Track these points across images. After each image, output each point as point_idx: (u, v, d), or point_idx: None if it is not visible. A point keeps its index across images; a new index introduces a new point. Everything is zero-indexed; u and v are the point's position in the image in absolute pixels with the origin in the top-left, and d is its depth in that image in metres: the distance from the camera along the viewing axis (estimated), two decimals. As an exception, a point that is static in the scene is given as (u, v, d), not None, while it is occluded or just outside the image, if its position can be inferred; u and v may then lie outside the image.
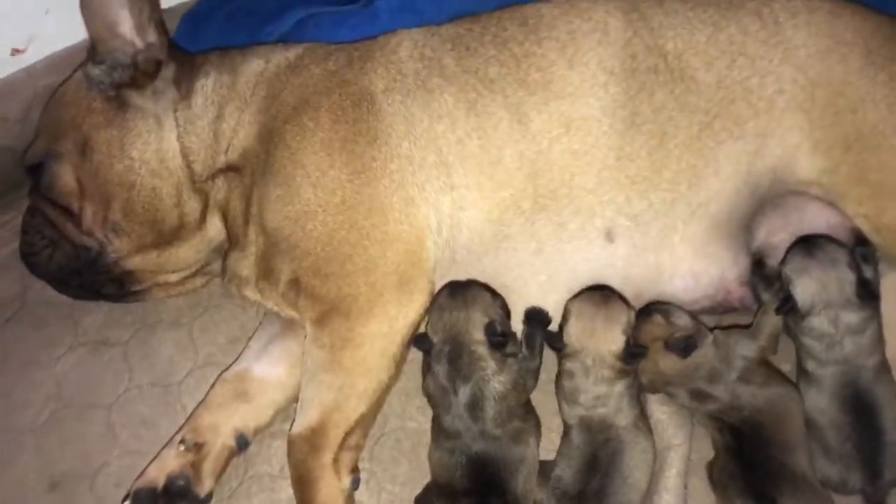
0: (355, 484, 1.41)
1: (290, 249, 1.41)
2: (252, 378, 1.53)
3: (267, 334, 1.59)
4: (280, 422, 1.54)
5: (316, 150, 1.41)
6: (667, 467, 1.43)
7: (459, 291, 1.41)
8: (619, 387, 1.38)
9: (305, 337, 1.42)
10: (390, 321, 1.38)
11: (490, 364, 1.38)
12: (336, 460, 1.37)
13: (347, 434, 1.37)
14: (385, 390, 1.42)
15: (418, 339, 1.42)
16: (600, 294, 1.41)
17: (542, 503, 1.38)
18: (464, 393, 1.36)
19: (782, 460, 1.35)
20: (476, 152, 1.42)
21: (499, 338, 1.38)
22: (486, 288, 1.43)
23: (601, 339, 1.38)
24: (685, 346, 1.39)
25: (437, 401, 1.40)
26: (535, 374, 1.45)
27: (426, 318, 1.44)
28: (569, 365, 1.39)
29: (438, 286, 1.44)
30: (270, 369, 1.54)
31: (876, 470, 1.36)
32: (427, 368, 1.42)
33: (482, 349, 1.38)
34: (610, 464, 1.34)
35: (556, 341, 1.41)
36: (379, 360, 1.38)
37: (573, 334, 1.39)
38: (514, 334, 1.44)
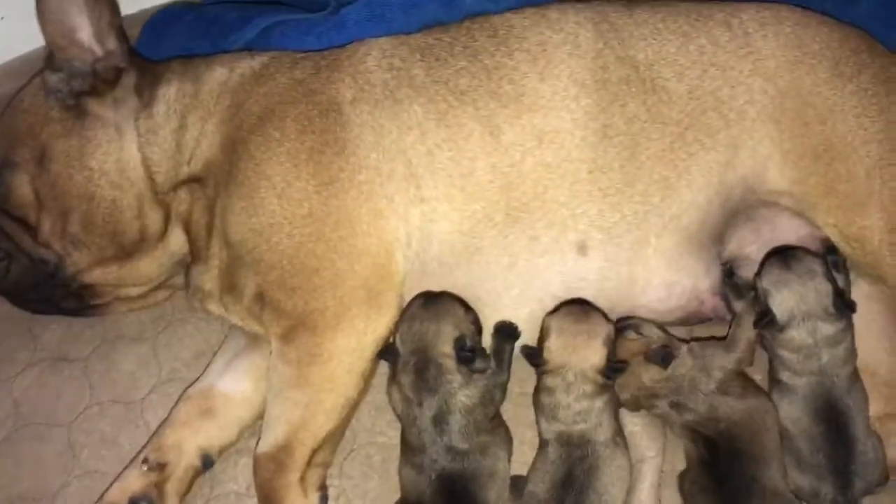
0: (323, 501, 1.39)
1: (254, 263, 1.38)
2: (217, 394, 1.50)
3: (232, 349, 1.56)
4: (246, 438, 1.50)
5: (281, 161, 1.38)
6: (640, 479, 1.42)
7: (432, 303, 1.39)
8: (599, 402, 1.37)
9: (271, 352, 1.39)
10: (358, 336, 1.35)
11: (457, 378, 1.36)
12: (303, 478, 1.34)
13: (315, 451, 1.35)
14: (353, 406, 1.40)
15: (384, 349, 1.39)
16: (580, 308, 1.40)
17: None
18: (429, 405, 1.34)
19: (754, 474, 1.35)
20: (447, 164, 1.40)
21: (467, 353, 1.36)
22: (460, 301, 1.41)
23: (583, 354, 1.36)
24: (664, 356, 1.38)
25: (401, 413, 1.39)
26: (503, 387, 1.43)
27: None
28: (549, 381, 1.37)
29: (409, 299, 1.42)
30: (236, 385, 1.50)
31: (847, 479, 1.36)
32: (392, 379, 1.40)
33: (450, 363, 1.36)
34: (586, 480, 1.33)
35: (536, 358, 1.39)
36: (347, 376, 1.35)
37: (554, 350, 1.37)
38: (483, 350, 1.42)
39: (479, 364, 1.39)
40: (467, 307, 1.41)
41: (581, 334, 1.37)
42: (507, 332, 1.43)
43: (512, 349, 1.43)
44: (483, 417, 1.37)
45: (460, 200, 1.40)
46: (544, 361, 1.38)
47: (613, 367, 1.37)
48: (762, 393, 1.43)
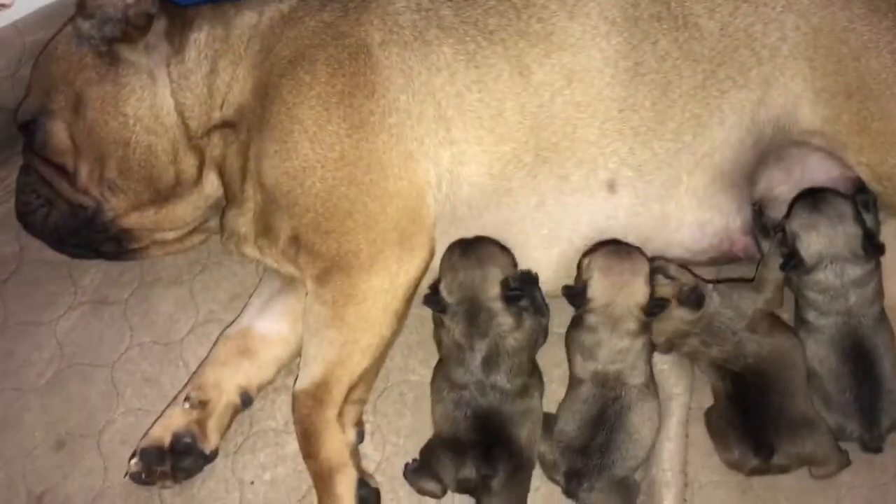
0: (360, 437, 1.43)
1: (289, 206, 1.40)
2: (254, 335, 1.53)
3: (268, 290, 1.59)
4: (283, 377, 1.55)
5: (313, 105, 1.39)
6: (668, 416, 1.45)
7: (472, 249, 1.40)
8: (639, 343, 1.38)
9: (306, 293, 1.42)
10: (391, 277, 1.37)
11: (507, 320, 1.38)
12: (340, 414, 1.38)
13: (351, 389, 1.38)
14: (387, 345, 1.42)
15: (431, 300, 1.41)
16: (621, 247, 1.41)
17: (543, 455, 1.40)
18: (480, 349, 1.37)
19: (781, 405, 1.37)
20: (476, 105, 1.40)
21: (515, 291, 1.39)
22: (496, 243, 1.43)
23: (628, 291, 1.37)
24: (697, 298, 1.39)
25: (449, 354, 1.42)
26: (545, 330, 1.46)
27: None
28: (592, 319, 1.39)
29: (439, 242, 1.44)
30: (273, 325, 1.54)
31: (874, 418, 1.38)
32: (439, 325, 1.44)
33: (498, 306, 1.38)
34: (617, 420, 1.35)
35: (580, 297, 1.39)
36: (381, 316, 1.37)
37: (600, 289, 1.38)
38: (533, 282, 1.44)
39: (524, 302, 1.41)
40: (503, 248, 1.43)
41: (626, 272, 1.38)
42: (525, 279, 1.44)
43: (539, 292, 1.45)
44: (526, 360, 1.41)
45: (490, 142, 1.40)
46: (588, 300, 1.39)
47: (657, 304, 1.38)
48: (789, 330, 1.45)
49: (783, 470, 1.39)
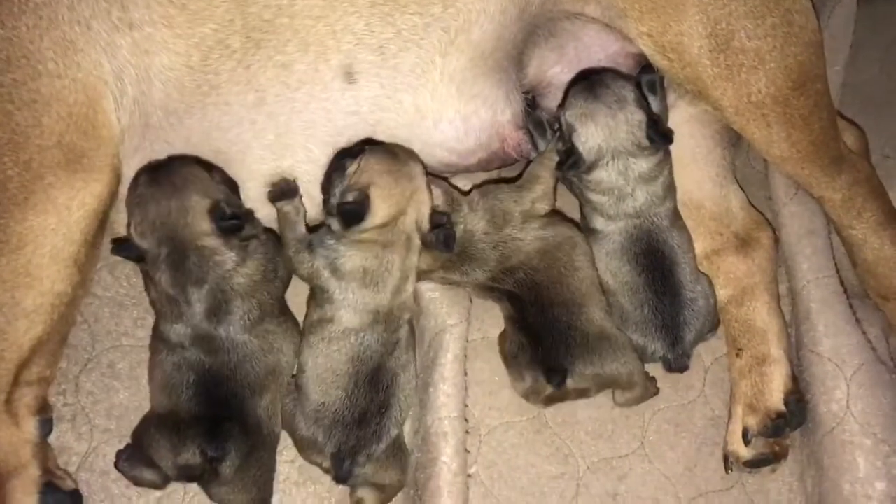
0: (45, 427, 1.15)
1: None
2: None
3: None
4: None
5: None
6: (442, 353, 1.22)
7: (163, 175, 1.14)
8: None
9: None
10: (60, 212, 1.08)
11: (228, 255, 1.14)
12: (10, 402, 1.10)
13: (21, 366, 1.10)
14: (70, 303, 1.14)
15: (120, 246, 1.15)
16: (389, 145, 1.18)
17: (297, 432, 1.15)
18: (199, 299, 1.13)
19: (570, 321, 1.20)
20: None
21: (231, 221, 1.13)
22: (196, 161, 1.17)
23: (417, 200, 1.16)
24: (446, 239, 1.18)
25: (161, 309, 1.16)
26: (289, 260, 1.21)
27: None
28: (381, 237, 1.14)
29: (132, 161, 1.15)
30: None
31: (677, 333, 1.26)
32: (146, 276, 1.18)
33: (212, 241, 1.13)
34: (397, 370, 1.15)
35: (359, 214, 1.12)
36: (50, 266, 1.08)
37: (386, 199, 1.14)
38: (249, 211, 1.17)
39: (249, 230, 1.16)
40: (209, 166, 1.17)
41: (413, 176, 1.16)
42: (286, 188, 1.19)
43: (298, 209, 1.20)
44: (268, 297, 1.17)
45: (182, 23, 1.13)
46: (373, 213, 1.13)
47: (443, 215, 1.18)
48: (568, 227, 1.28)
49: (583, 394, 1.24)
